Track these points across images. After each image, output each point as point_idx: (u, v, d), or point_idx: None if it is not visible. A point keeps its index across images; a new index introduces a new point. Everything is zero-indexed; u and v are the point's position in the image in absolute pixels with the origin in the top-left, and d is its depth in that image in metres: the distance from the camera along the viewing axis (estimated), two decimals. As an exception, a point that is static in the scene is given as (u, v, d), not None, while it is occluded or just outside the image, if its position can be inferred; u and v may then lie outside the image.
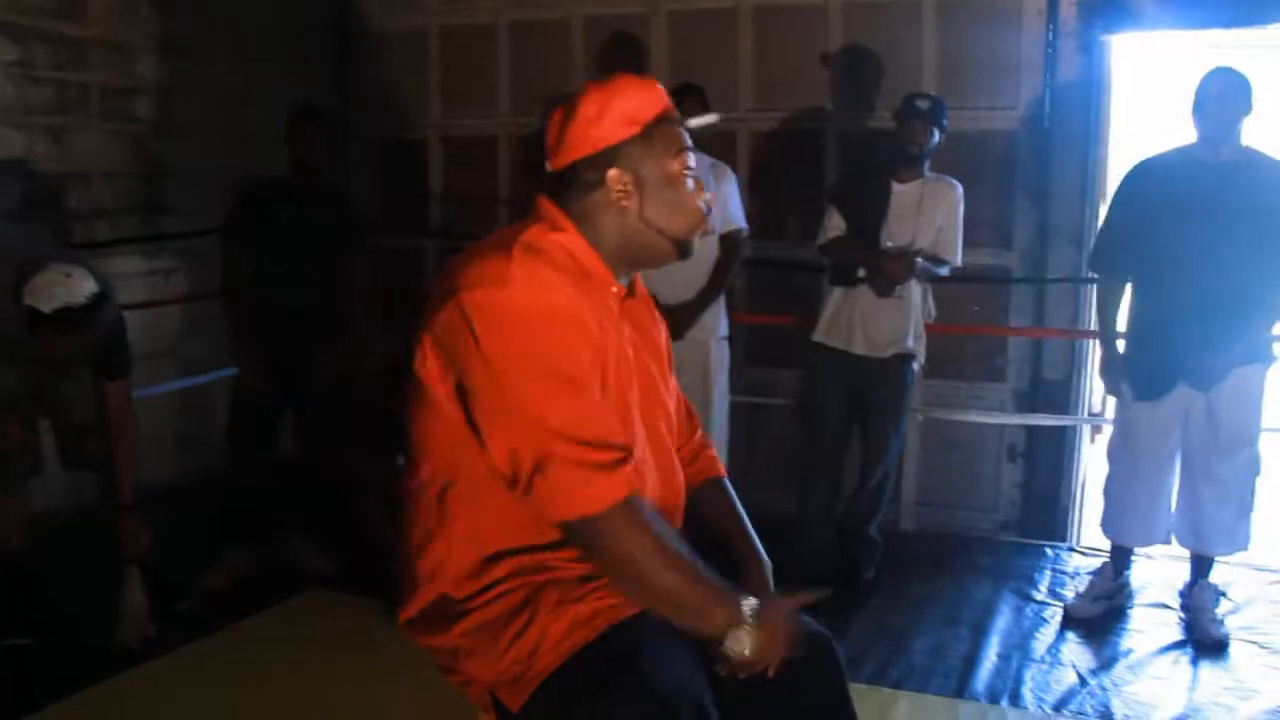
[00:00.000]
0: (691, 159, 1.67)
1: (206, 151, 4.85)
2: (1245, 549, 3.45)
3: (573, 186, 1.63)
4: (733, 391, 4.21)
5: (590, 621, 1.52)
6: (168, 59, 4.74)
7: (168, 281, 4.74)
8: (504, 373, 1.48)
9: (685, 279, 3.88)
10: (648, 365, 1.74)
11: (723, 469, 1.90)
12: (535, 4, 5.16)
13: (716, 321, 4.00)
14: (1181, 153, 3.31)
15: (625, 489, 1.49)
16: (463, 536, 1.59)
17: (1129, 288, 3.46)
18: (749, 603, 1.53)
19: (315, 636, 3.36)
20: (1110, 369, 3.50)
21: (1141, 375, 3.39)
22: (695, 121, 1.74)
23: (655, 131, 1.63)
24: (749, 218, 4.11)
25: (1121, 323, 3.54)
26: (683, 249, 1.68)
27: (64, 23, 4.32)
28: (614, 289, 1.67)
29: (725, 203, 3.97)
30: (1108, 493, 3.56)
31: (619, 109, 1.61)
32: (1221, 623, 3.40)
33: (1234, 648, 3.31)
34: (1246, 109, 3.17)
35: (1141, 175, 3.40)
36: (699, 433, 1.92)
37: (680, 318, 3.82)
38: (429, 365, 1.55)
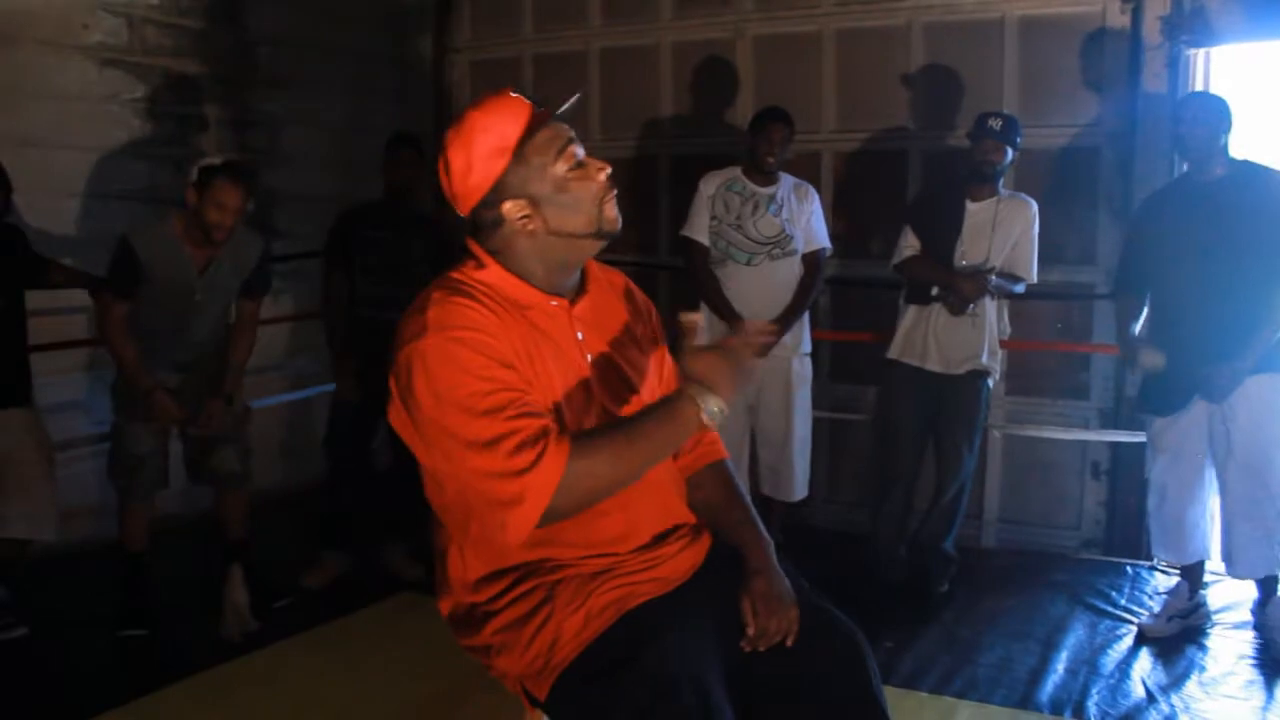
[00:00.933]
0: (578, 150, 1.70)
1: (312, 179, 5.17)
2: (1271, 573, 3.40)
3: (481, 228, 1.70)
4: (817, 407, 4.28)
5: (603, 613, 1.64)
6: (278, 93, 5.06)
7: (276, 301, 5.01)
8: (432, 435, 1.60)
9: (769, 298, 3.99)
10: (613, 363, 1.78)
11: (725, 452, 1.95)
12: (626, 31, 5.32)
13: (799, 338, 4.10)
14: (1179, 180, 3.45)
15: (558, 472, 1.54)
16: (481, 549, 1.72)
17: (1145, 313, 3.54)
18: (687, 393, 1.63)
19: (405, 636, 3.54)
20: (1130, 352, 3.51)
21: (1159, 392, 3.43)
22: (565, 106, 1.71)
23: (526, 149, 1.66)
24: (833, 236, 4.19)
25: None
26: (601, 235, 1.72)
27: (185, 61, 4.66)
28: (553, 304, 1.72)
29: (809, 222, 4.08)
30: (1149, 510, 3.59)
31: (482, 148, 1.65)
32: (1299, 642, 3.35)
33: (1314, 669, 3.25)
34: (1226, 127, 3.25)
35: (1147, 207, 3.54)
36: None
37: None
38: (398, 408, 1.68)
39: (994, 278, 3.75)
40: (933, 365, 3.84)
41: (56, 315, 3.94)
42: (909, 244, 3.91)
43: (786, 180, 4.11)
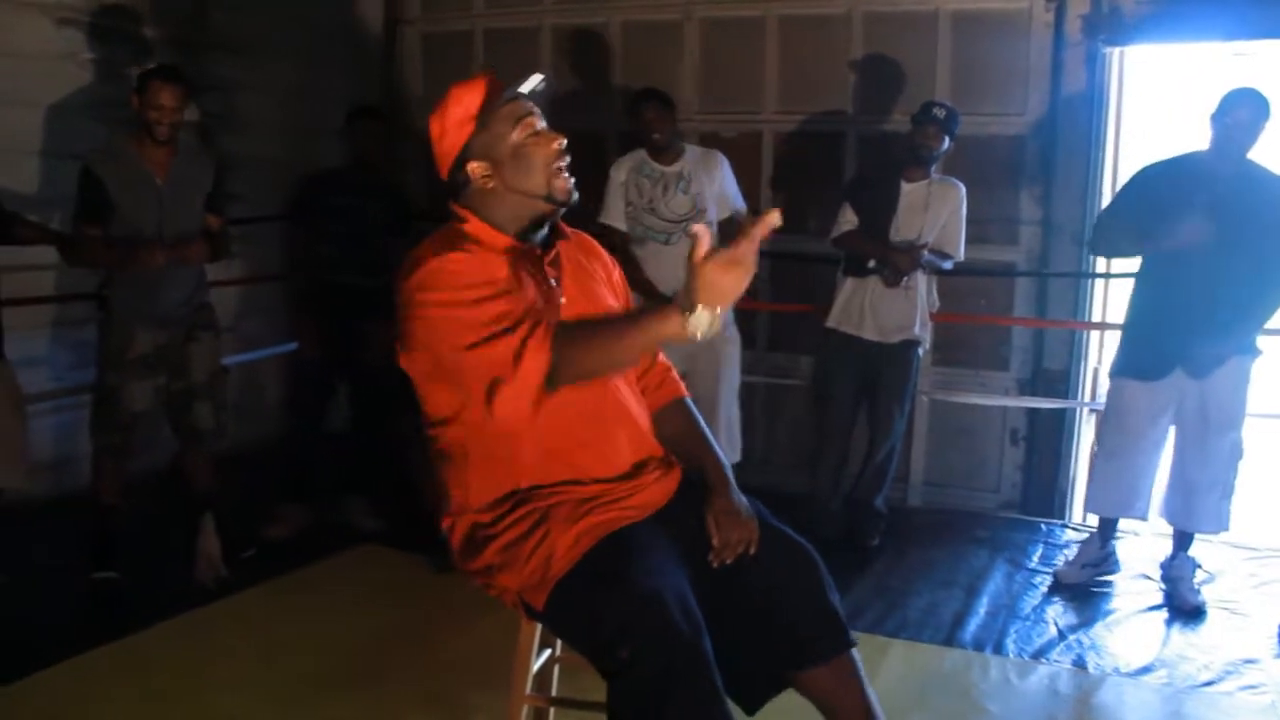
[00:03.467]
0: (538, 122, 1.94)
1: (265, 144, 5.23)
2: (1227, 529, 3.73)
3: (456, 189, 1.97)
4: (755, 374, 4.47)
5: (591, 532, 1.86)
6: (233, 58, 5.12)
7: (228, 265, 5.06)
8: (433, 327, 1.80)
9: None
10: (582, 308, 1.97)
11: (684, 390, 2.21)
12: (575, 9, 5.48)
13: None
14: (1191, 159, 3.59)
15: (545, 352, 1.73)
16: (480, 479, 1.93)
17: (1132, 280, 3.77)
18: (679, 296, 1.65)
19: (371, 582, 3.72)
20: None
21: (1140, 358, 3.68)
22: (526, 86, 1.94)
23: (489, 119, 1.91)
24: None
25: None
26: (551, 200, 1.93)
27: (142, 24, 4.70)
28: (525, 247, 1.96)
29: (721, 189, 4.14)
30: (1094, 469, 3.87)
31: (453, 117, 1.92)
32: (1198, 591, 3.69)
33: (1206, 613, 3.60)
34: (1264, 130, 3.47)
35: (1153, 175, 3.65)
36: (659, 360, 2.20)
37: None
38: (407, 345, 1.89)
39: (926, 253, 4.02)
40: (868, 334, 4.10)
41: (20, 271, 3.98)
42: (847, 219, 4.15)
43: (692, 152, 4.19)
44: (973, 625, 3.47)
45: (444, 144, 1.93)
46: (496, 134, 1.91)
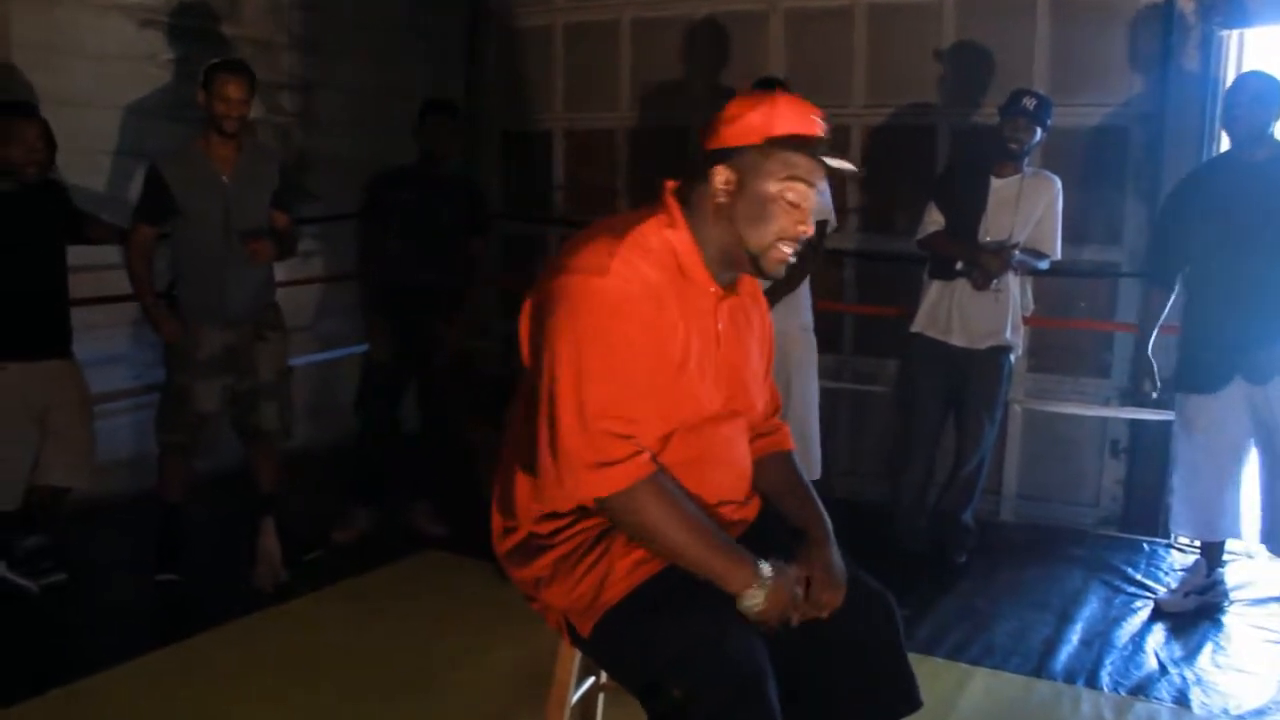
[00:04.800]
0: (808, 199, 1.73)
1: (344, 142, 5.22)
2: None
3: (697, 172, 1.78)
4: (839, 379, 4.25)
5: (653, 559, 1.71)
6: (311, 57, 5.11)
7: (305, 263, 5.07)
8: (564, 361, 1.66)
9: None
10: (733, 357, 1.85)
11: (792, 445, 2.04)
12: (656, 3, 5.35)
13: (795, 312, 3.89)
14: (1219, 159, 3.45)
15: (640, 471, 1.65)
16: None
17: (1181, 286, 3.56)
18: (762, 565, 1.68)
19: (432, 590, 3.64)
20: (1144, 370, 3.61)
21: (1198, 369, 3.46)
22: (836, 161, 1.74)
23: (775, 149, 1.71)
24: (859, 211, 4.13)
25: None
26: (756, 265, 1.77)
27: (220, 24, 4.71)
28: (711, 290, 1.79)
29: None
30: (1174, 487, 3.64)
31: (752, 117, 1.72)
32: (1317, 621, 3.39)
33: (1329, 646, 3.30)
34: (1278, 113, 3.24)
35: (1182, 189, 3.52)
36: (777, 416, 2.05)
37: None
38: (524, 326, 1.77)
39: (1017, 254, 3.78)
40: (956, 340, 3.87)
41: (96, 270, 4.00)
42: (932, 220, 3.93)
43: None
44: (1064, 654, 3.22)
45: (725, 129, 1.74)
46: (767, 169, 1.71)
